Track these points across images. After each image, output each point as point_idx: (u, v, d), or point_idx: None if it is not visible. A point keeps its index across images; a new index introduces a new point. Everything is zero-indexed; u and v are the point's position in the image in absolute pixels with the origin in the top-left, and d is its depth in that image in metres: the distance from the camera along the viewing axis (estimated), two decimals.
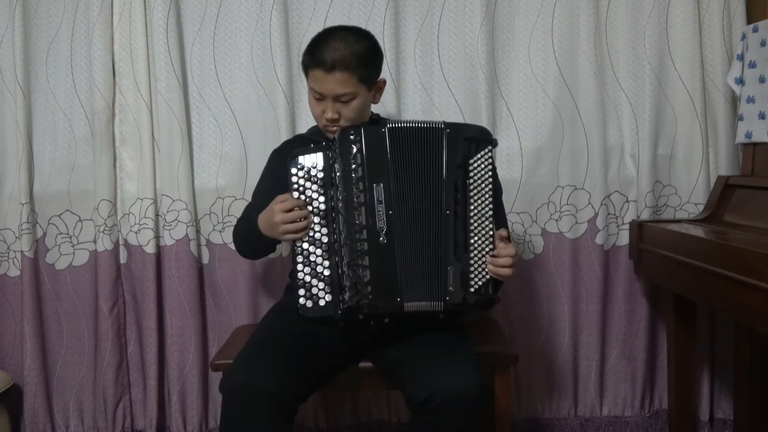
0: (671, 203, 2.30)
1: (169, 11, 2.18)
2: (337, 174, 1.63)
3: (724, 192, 2.11)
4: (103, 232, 2.24)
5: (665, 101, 2.27)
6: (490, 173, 1.66)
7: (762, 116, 2.04)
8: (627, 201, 2.29)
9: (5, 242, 2.31)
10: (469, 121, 2.21)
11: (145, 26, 2.20)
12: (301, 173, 1.65)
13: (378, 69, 1.78)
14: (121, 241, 2.28)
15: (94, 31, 2.20)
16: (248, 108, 2.27)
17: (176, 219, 2.24)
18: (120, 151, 2.28)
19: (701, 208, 2.23)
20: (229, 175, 2.27)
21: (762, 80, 2.04)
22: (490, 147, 1.67)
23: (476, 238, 1.63)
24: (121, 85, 2.24)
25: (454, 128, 1.66)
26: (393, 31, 2.22)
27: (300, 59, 2.22)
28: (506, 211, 2.26)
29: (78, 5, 2.24)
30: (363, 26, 1.89)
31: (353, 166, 1.62)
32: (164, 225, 2.25)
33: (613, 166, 2.29)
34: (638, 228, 2.15)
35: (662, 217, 2.29)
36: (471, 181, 1.64)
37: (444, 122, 1.66)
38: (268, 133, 2.24)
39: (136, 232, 2.25)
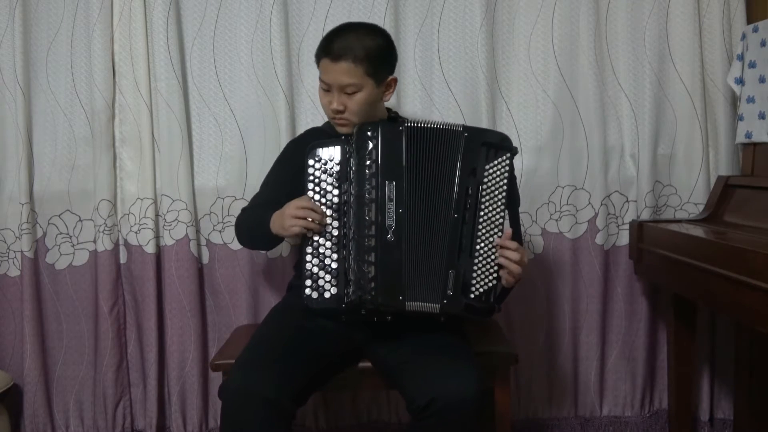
0: (671, 203, 2.30)
1: (169, 11, 2.18)
2: (352, 169, 1.63)
3: (724, 192, 2.11)
4: (103, 232, 2.24)
5: (665, 101, 2.27)
6: (505, 181, 1.64)
7: (762, 116, 2.04)
8: (627, 201, 2.29)
9: (5, 242, 2.31)
10: (468, 121, 2.21)
11: (145, 26, 2.20)
12: (318, 165, 1.66)
13: (389, 66, 1.79)
14: (121, 241, 2.28)
15: (94, 31, 2.20)
16: (248, 108, 2.27)
17: (176, 219, 2.24)
18: (120, 151, 2.28)
19: (701, 208, 2.23)
20: (229, 175, 2.27)
21: (762, 80, 2.04)
22: (508, 155, 1.65)
23: (482, 245, 1.62)
24: (121, 85, 2.24)
25: (473, 132, 1.65)
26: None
27: (299, 59, 2.25)
28: None
29: (78, 5, 2.24)
30: None
31: (367, 162, 1.62)
32: (164, 225, 2.25)
33: (613, 166, 2.29)
34: (638, 228, 2.15)
35: (662, 217, 2.29)
36: (484, 187, 1.63)
37: (463, 125, 1.66)
38: (268, 133, 2.24)
39: (136, 232, 2.25)
